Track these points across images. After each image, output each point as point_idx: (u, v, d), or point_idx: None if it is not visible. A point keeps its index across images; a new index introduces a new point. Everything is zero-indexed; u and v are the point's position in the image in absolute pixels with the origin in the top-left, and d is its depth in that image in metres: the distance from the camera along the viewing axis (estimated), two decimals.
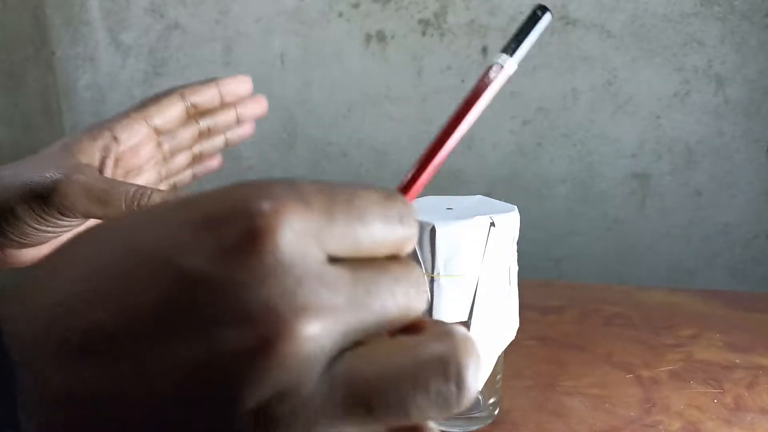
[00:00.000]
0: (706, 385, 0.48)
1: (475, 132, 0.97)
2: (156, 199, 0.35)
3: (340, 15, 1.00)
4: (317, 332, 0.17)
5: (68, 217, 0.36)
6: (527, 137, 0.95)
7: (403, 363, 0.18)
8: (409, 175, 0.25)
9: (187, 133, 0.45)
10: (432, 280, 0.39)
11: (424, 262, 0.39)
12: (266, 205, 0.17)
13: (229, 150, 1.25)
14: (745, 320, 0.60)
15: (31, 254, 0.39)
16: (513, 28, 1.01)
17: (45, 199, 0.34)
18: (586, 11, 0.89)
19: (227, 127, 0.48)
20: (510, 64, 0.25)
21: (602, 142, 0.92)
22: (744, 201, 0.88)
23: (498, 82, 0.25)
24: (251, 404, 0.16)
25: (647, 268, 0.94)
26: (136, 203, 0.34)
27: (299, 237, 0.17)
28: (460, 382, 0.18)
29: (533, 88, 0.93)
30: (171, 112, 0.43)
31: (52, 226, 0.36)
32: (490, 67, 0.25)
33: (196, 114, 0.45)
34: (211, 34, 1.08)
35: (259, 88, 1.22)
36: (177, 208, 0.19)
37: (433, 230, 0.38)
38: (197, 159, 0.48)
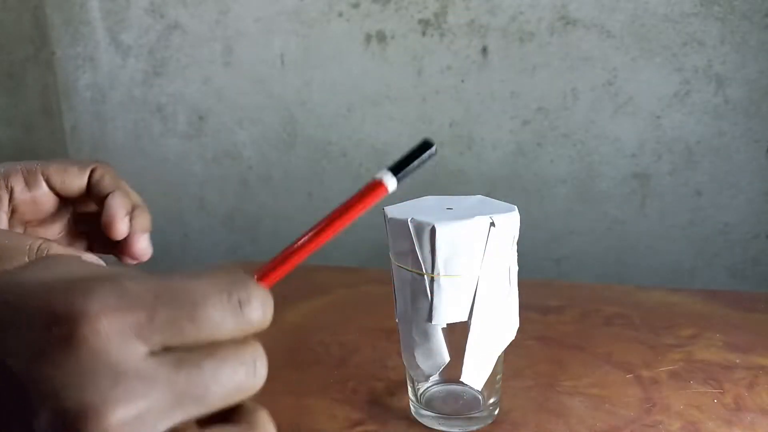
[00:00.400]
0: (706, 385, 0.48)
1: (475, 132, 0.98)
2: (58, 251, 0.34)
3: (340, 15, 1.00)
4: (130, 420, 0.18)
5: None
6: (527, 137, 0.95)
7: None
8: (272, 264, 0.26)
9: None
10: (432, 280, 0.39)
11: (424, 262, 0.39)
12: (85, 309, 0.19)
13: (230, 150, 1.25)
14: (745, 320, 0.60)
15: None
16: (513, 28, 1.00)
17: None
18: (586, 11, 0.89)
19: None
20: (392, 183, 0.28)
21: (602, 142, 0.92)
22: (744, 201, 0.88)
23: (378, 196, 0.28)
24: None
25: (647, 268, 0.94)
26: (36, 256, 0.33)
27: (117, 337, 0.19)
28: None
29: (533, 88, 0.93)
30: (71, 181, 0.39)
31: None
32: (374, 181, 0.27)
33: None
34: (211, 34, 1.08)
35: (259, 88, 1.23)
36: (6, 302, 0.20)
37: (433, 230, 0.38)
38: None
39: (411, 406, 0.46)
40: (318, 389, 0.49)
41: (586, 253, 0.96)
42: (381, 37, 0.99)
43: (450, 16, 0.95)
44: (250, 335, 0.22)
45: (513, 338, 0.43)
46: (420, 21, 0.97)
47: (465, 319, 0.40)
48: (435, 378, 0.44)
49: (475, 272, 0.39)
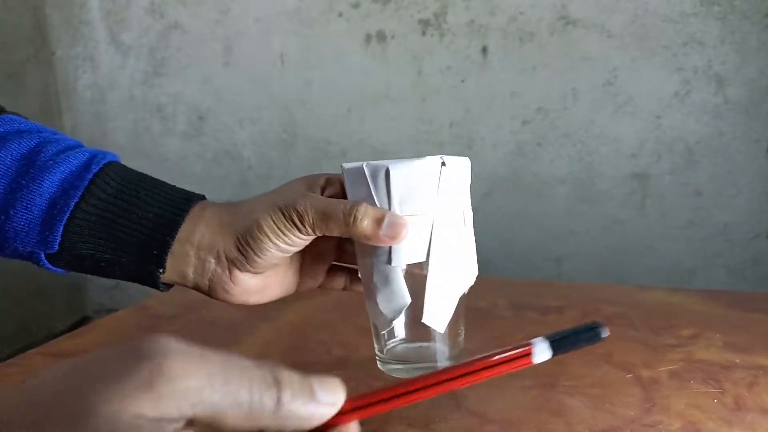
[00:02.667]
0: (706, 385, 0.48)
1: (475, 132, 0.97)
2: (368, 212, 0.40)
3: (340, 15, 1.00)
4: None
5: (301, 233, 0.41)
6: (527, 137, 0.95)
7: None
8: (376, 397, 0.25)
9: None
10: None
11: (380, 205, 0.41)
12: None
13: (230, 150, 1.25)
14: (745, 320, 0.60)
15: (251, 283, 0.44)
16: (513, 28, 1.00)
17: (286, 214, 0.41)
18: (586, 11, 0.89)
19: None
20: (543, 355, 0.25)
21: (602, 142, 0.92)
22: (744, 201, 0.88)
23: (521, 365, 0.25)
24: None
25: (647, 268, 0.94)
26: (351, 217, 0.39)
27: None
28: None
29: (533, 88, 0.93)
30: None
31: (284, 243, 0.41)
32: (527, 349, 0.25)
33: None
34: (211, 34, 1.08)
35: (259, 88, 1.22)
36: None
37: (387, 172, 0.40)
38: None
39: (378, 362, 0.47)
40: None
41: (586, 253, 0.96)
42: (381, 37, 0.99)
43: (450, 16, 0.95)
44: None
45: (472, 284, 0.44)
46: (420, 21, 0.97)
47: (423, 259, 0.41)
48: (401, 336, 0.45)
49: (430, 212, 0.41)
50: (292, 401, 0.23)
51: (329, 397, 0.24)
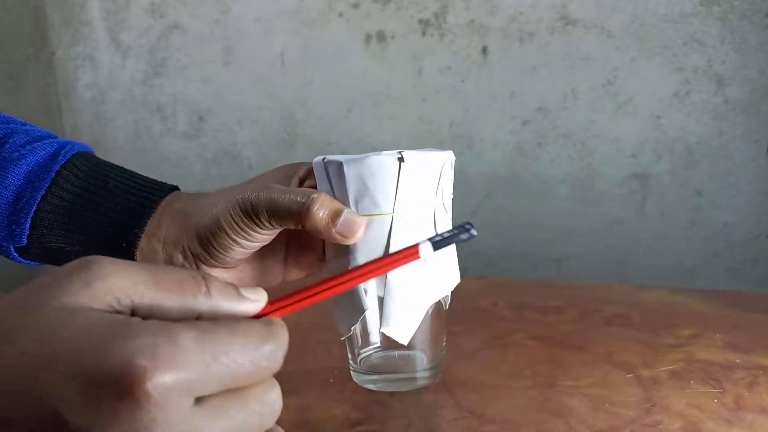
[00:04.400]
0: (706, 385, 0.48)
1: (475, 132, 0.97)
2: (325, 204, 0.38)
3: (340, 15, 1.00)
4: None
5: (260, 228, 0.39)
6: (527, 137, 0.95)
7: None
8: (290, 298, 0.28)
9: None
10: None
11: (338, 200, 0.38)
12: (143, 368, 0.20)
13: (230, 150, 1.25)
14: (745, 320, 0.60)
15: (223, 278, 0.43)
16: (513, 28, 1.00)
17: (242, 208, 0.39)
18: (586, 11, 0.89)
19: None
20: (428, 252, 0.29)
21: (602, 142, 0.92)
22: (744, 201, 0.88)
23: (410, 259, 0.30)
24: None
25: (647, 268, 0.94)
26: (305, 207, 0.37)
27: (171, 395, 0.21)
28: None
29: (533, 88, 0.93)
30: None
31: (245, 239, 0.40)
32: (416, 247, 0.29)
33: None
34: (211, 34, 1.08)
35: (259, 88, 1.22)
36: (66, 354, 0.21)
37: (340, 167, 0.37)
38: None
39: (351, 373, 0.45)
40: (318, 389, 0.49)
41: (586, 253, 0.96)
42: (381, 37, 0.99)
43: (450, 16, 0.95)
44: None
45: (449, 292, 0.41)
46: (420, 21, 0.97)
47: None
48: (376, 343, 0.43)
49: (388, 212, 0.38)
50: (220, 294, 0.25)
51: (253, 295, 0.27)
